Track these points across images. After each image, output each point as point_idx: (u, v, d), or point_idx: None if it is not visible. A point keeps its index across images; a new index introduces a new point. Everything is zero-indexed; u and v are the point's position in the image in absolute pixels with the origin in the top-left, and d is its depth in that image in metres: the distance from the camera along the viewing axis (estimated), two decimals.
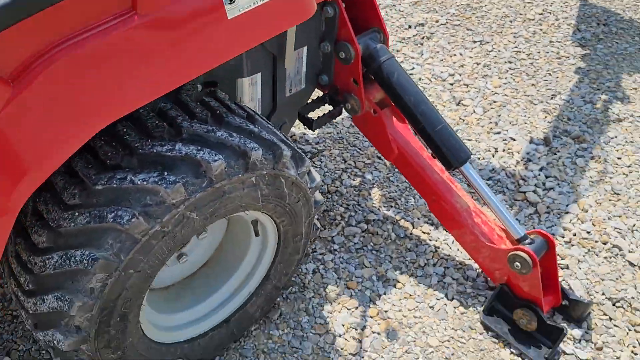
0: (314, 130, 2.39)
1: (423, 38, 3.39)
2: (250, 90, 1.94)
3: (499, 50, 3.31)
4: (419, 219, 2.40)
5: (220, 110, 1.53)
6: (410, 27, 3.46)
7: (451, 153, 1.95)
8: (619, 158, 2.66)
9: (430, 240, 2.32)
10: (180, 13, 1.23)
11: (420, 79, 3.10)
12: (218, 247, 1.89)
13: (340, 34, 1.97)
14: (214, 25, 1.29)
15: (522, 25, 3.52)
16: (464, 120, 2.86)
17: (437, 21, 3.52)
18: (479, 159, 2.66)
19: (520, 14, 3.60)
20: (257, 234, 1.74)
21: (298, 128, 2.79)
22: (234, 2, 1.30)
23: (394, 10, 3.59)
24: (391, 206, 2.45)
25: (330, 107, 2.18)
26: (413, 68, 3.17)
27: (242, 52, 1.50)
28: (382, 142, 2.16)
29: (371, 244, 2.30)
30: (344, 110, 2.16)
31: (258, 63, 1.88)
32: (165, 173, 1.33)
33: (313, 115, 2.18)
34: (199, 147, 1.38)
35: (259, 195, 1.53)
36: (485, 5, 3.67)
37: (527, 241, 1.93)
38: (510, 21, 3.54)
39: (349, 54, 1.96)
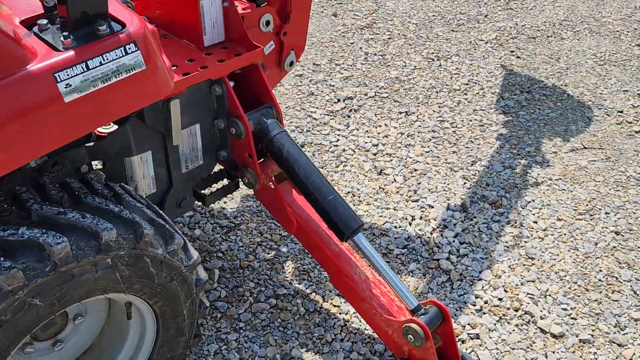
0: (207, 206, 2.37)
1: (351, 110, 3.47)
2: (141, 169, 1.94)
3: (423, 120, 3.39)
4: (330, 291, 2.35)
5: (80, 192, 1.52)
6: (339, 100, 3.55)
7: (342, 223, 1.94)
8: (535, 222, 2.66)
9: (340, 313, 2.26)
10: (11, 96, 1.24)
11: (344, 150, 3.15)
12: (100, 333, 1.82)
13: (231, 111, 2.01)
14: (50, 109, 1.30)
15: (447, 95, 3.63)
16: (383, 190, 2.87)
17: (366, 94, 3.62)
18: (395, 227, 2.65)
19: (447, 85, 3.72)
20: (129, 317, 1.68)
21: (217, 203, 2.78)
22: (70, 85, 1.31)
23: (325, 85, 3.70)
24: (303, 279, 2.41)
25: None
26: (338, 140, 3.22)
27: (87, 133, 1.50)
28: (281, 215, 2.15)
29: (279, 320, 2.23)
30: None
31: (146, 142, 1.90)
32: (2, 259, 1.29)
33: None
34: (45, 230, 1.35)
35: (117, 277, 1.48)
36: (414, 78, 3.79)
37: (420, 312, 1.88)
38: (437, 92, 3.65)
39: (239, 129, 1.99)
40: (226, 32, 2.09)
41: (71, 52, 1.32)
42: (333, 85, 3.70)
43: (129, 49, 1.38)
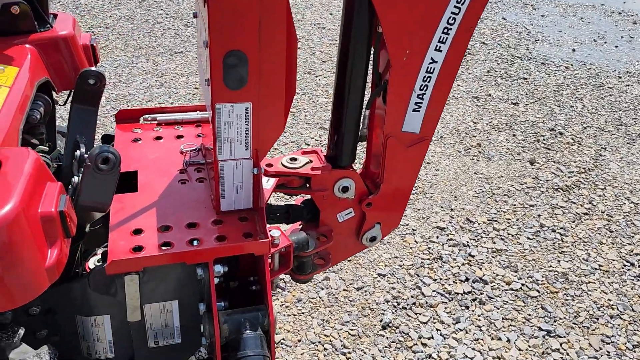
0: None
1: (474, 300, 2.66)
2: (96, 330, 1.66)
3: None
4: None
5: None
6: (467, 279, 2.77)
7: None
8: None
9: None
10: None
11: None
12: None
13: (207, 303, 1.58)
14: None
15: (619, 327, 2.53)
16: None
17: (508, 283, 2.76)
18: None
19: (632, 313, 2.61)
20: None
21: None
22: None
23: (463, 252, 2.94)
24: None
25: None
26: (431, 337, 2.47)
27: None
28: None
29: None
30: None
31: (102, 307, 1.61)
32: None
33: None
34: None
35: None
36: (589, 283, 2.77)
37: None
38: (611, 317, 2.58)
39: (206, 330, 1.55)
40: (254, 201, 1.67)
41: None
42: (473, 257, 2.92)
43: None
